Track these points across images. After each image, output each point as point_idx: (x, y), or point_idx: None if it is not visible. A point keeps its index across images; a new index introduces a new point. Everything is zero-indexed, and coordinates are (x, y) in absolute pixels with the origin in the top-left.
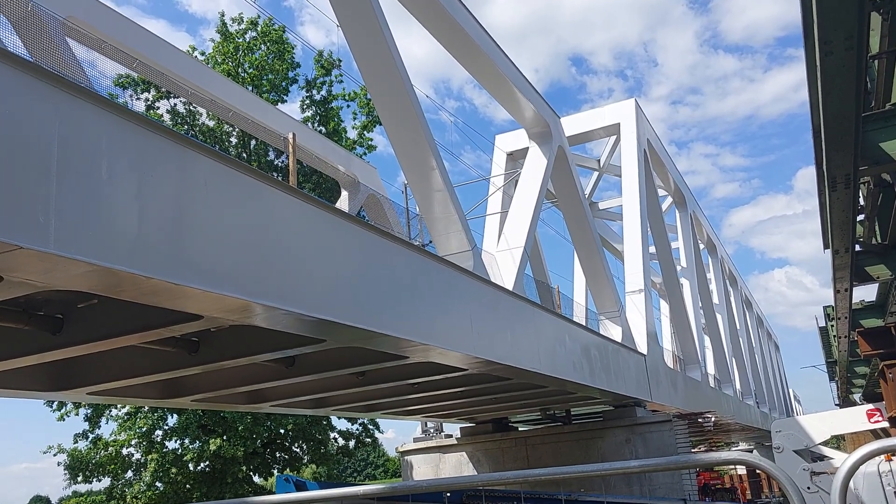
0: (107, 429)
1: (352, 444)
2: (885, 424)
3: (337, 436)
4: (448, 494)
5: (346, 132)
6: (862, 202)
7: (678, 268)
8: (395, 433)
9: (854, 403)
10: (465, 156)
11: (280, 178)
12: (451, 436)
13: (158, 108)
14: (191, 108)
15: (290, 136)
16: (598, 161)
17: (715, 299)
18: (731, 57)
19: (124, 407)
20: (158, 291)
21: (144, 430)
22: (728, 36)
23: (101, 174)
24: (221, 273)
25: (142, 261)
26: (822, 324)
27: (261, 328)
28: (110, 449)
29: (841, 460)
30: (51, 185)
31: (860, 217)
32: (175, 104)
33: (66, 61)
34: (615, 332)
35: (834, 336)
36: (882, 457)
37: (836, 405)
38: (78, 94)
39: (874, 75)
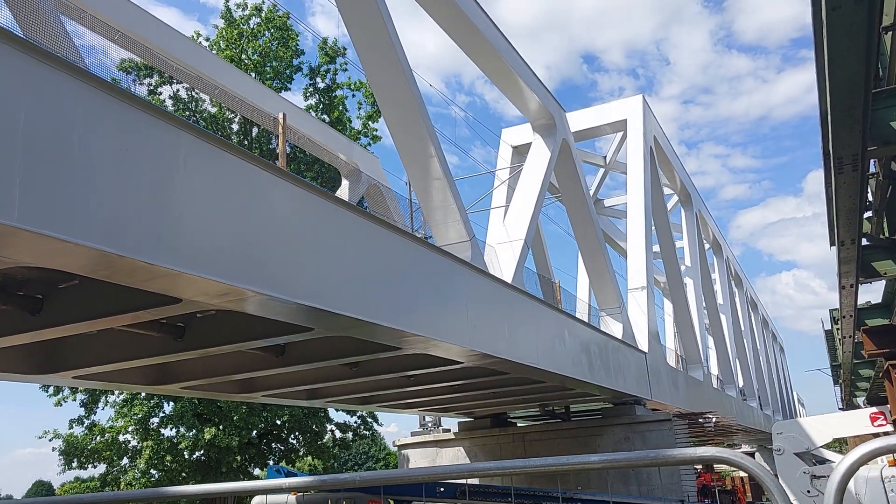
0: (103, 415)
1: (349, 436)
2: (890, 428)
3: (334, 428)
4: (442, 489)
5: (350, 122)
6: (870, 198)
7: (682, 267)
8: (398, 427)
9: (857, 407)
10: (475, 151)
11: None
12: (449, 430)
13: (161, 93)
14: (193, 93)
15: (281, 115)
16: (605, 158)
17: (719, 299)
18: (745, 57)
19: (121, 393)
20: (133, 272)
21: (140, 416)
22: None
23: (73, 147)
24: (200, 255)
25: (116, 239)
26: (828, 327)
27: (248, 315)
28: (106, 435)
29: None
30: (14, 155)
31: (867, 214)
32: (178, 90)
33: (58, 38)
34: (616, 329)
35: (839, 339)
36: (886, 462)
37: (839, 409)
38: (49, 62)
39: (885, 51)
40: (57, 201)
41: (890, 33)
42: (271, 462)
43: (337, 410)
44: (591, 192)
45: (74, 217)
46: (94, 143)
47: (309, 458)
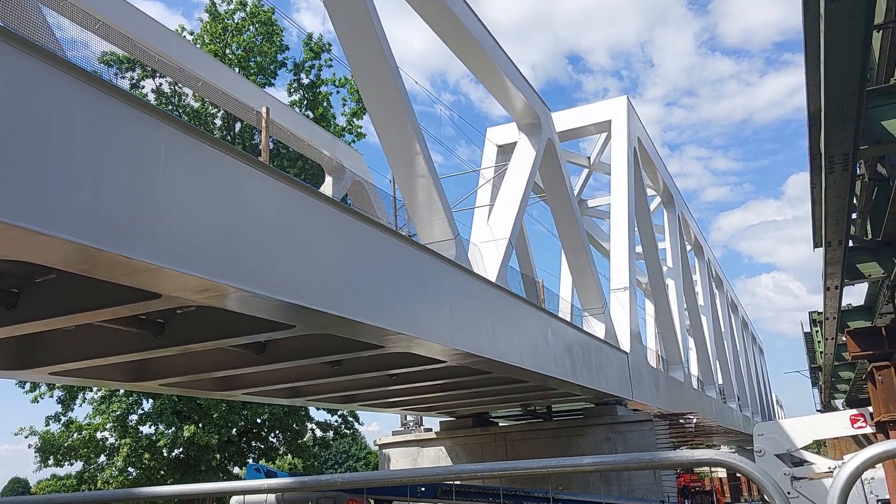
0: (81, 412)
1: (330, 435)
2: (869, 430)
3: (315, 427)
4: (423, 489)
5: (334, 118)
6: (855, 201)
7: (664, 268)
8: (379, 426)
9: (836, 409)
10: (460, 150)
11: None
12: (430, 429)
13: (143, 86)
14: (176, 87)
15: (264, 110)
16: (589, 158)
17: (700, 301)
18: (729, 60)
19: (99, 390)
20: (113, 266)
21: (119, 413)
22: (726, 38)
23: (50, 138)
24: (180, 249)
25: (95, 232)
26: (808, 329)
27: (228, 311)
28: (84, 432)
29: (823, 465)
30: None
31: (853, 216)
32: (160, 83)
33: (37, 28)
34: (598, 329)
35: (819, 341)
36: None
37: (818, 411)
38: (26, 50)
39: (874, 52)
40: (33, 193)
41: (881, 32)
42: (251, 460)
43: (318, 409)
44: (576, 193)
45: (52, 209)
46: (72, 135)
47: (289, 456)
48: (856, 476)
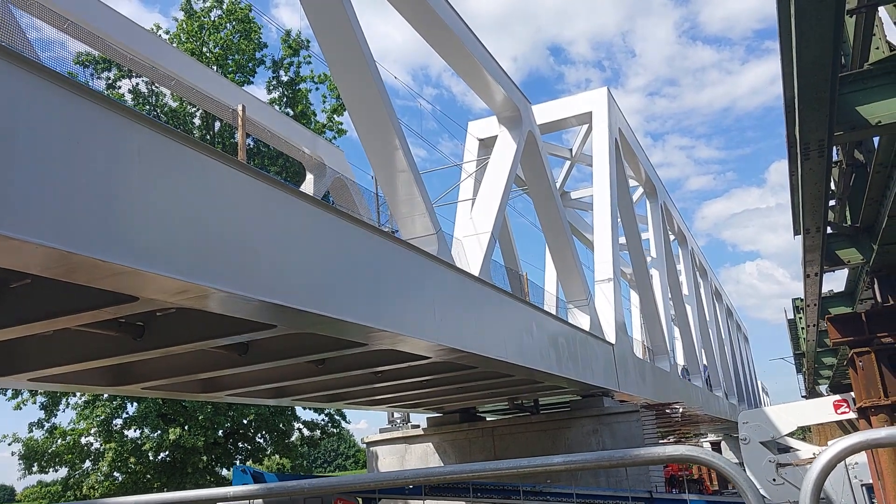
0: (64, 417)
1: (317, 434)
2: (852, 416)
3: (301, 426)
4: (410, 485)
5: (314, 115)
6: (833, 187)
7: (648, 258)
8: (367, 423)
9: (820, 395)
10: (442, 144)
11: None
12: (418, 426)
13: (120, 87)
14: (153, 87)
15: (240, 108)
16: (571, 150)
17: (684, 290)
18: (710, 48)
19: (83, 395)
20: (91, 270)
21: (103, 418)
22: (707, 27)
23: (20, 140)
24: (157, 251)
25: (69, 236)
26: (791, 316)
27: (209, 312)
28: (68, 438)
29: (808, 452)
30: None
31: (831, 202)
32: (137, 84)
33: (8, 29)
34: (584, 321)
35: (802, 327)
36: None
37: (802, 397)
38: None
39: (847, 36)
40: (4, 197)
41: (854, 17)
42: (238, 462)
43: (304, 408)
44: (558, 185)
45: (24, 214)
46: (43, 137)
47: (276, 457)
48: (827, 471)
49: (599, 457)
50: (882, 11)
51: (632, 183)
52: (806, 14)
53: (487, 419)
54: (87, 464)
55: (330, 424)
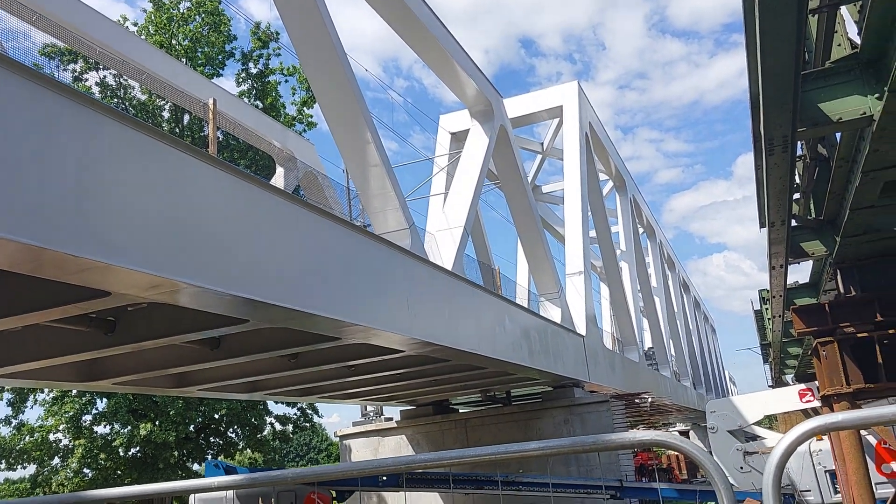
0: (32, 414)
1: (289, 428)
2: (817, 404)
3: (274, 421)
4: (384, 477)
5: (284, 108)
6: (797, 180)
7: (618, 251)
8: (340, 417)
9: (786, 384)
10: (415, 137)
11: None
12: (391, 419)
13: (87, 79)
14: (121, 80)
15: (211, 101)
16: (542, 144)
17: (653, 282)
18: (679, 42)
19: (51, 391)
20: (61, 265)
21: (72, 414)
22: (676, 20)
23: None
24: (129, 246)
25: (40, 231)
26: (758, 307)
27: (180, 307)
28: (36, 435)
29: (774, 440)
30: None
31: (795, 196)
32: (105, 76)
33: None
34: (555, 314)
35: (768, 318)
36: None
37: (769, 386)
38: None
39: (810, 34)
40: None
41: (816, 16)
42: (210, 457)
43: (276, 403)
44: (530, 179)
45: None
46: (12, 132)
47: (249, 451)
48: (788, 454)
49: (574, 442)
50: (844, 10)
51: (602, 177)
52: (770, 13)
53: (460, 411)
54: (56, 460)
55: (302, 418)
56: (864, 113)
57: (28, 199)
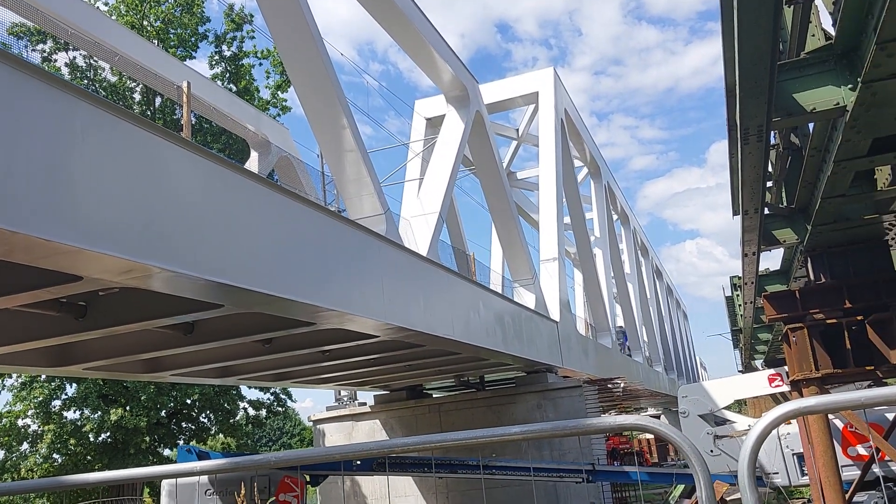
0: (0, 399)
1: (262, 413)
2: (786, 389)
3: (247, 406)
4: (358, 462)
5: (258, 91)
6: (770, 169)
7: (592, 238)
8: (313, 402)
9: (756, 370)
10: (390, 122)
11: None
12: (364, 403)
13: (56, 60)
14: (91, 61)
15: (185, 84)
16: (517, 130)
17: (627, 269)
18: (654, 28)
19: (19, 376)
20: (30, 248)
21: (41, 399)
22: (651, 7)
23: None
24: (101, 230)
25: (9, 214)
26: (729, 293)
27: (153, 292)
28: (3, 420)
29: (744, 424)
30: None
31: (769, 184)
32: (75, 57)
33: None
34: (529, 300)
35: (739, 304)
36: None
37: (739, 371)
38: None
39: (785, 24)
40: None
41: (791, 7)
42: (182, 442)
43: (250, 388)
44: (505, 165)
45: None
46: None
47: (221, 436)
48: (763, 437)
49: (555, 427)
50: (818, 1)
51: (576, 163)
52: (747, 4)
53: (434, 396)
54: (25, 446)
55: (276, 403)
56: (838, 103)
57: None
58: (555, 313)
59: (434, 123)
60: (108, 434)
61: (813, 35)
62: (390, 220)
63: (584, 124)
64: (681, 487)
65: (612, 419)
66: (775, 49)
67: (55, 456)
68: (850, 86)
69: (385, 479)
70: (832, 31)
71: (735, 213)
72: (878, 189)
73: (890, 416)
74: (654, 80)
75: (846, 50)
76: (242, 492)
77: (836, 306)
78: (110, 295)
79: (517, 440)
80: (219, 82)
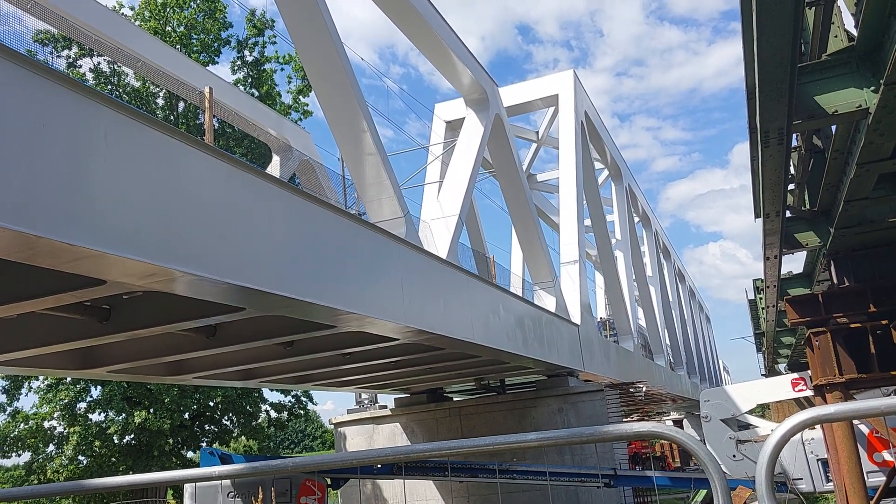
0: (27, 401)
1: (284, 416)
2: (810, 393)
3: (269, 408)
4: (379, 465)
5: (280, 96)
6: (792, 171)
7: (613, 240)
8: (334, 404)
9: (779, 373)
10: (410, 124)
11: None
12: (385, 406)
13: (80, 66)
14: (115, 67)
15: (207, 90)
16: (537, 133)
17: (648, 272)
18: (677, 29)
19: (45, 379)
20: (55, 253)
21: (66, 402)
22: (674, 7)
23: None
24: (124, 234)
25: (34, 219)
26: (752, 296)
27: (176, 295)
28: (30, 422)
29: (766, 429)
30: None
31: (790, 186)
32: (99, 63)
33: None
34: (549, 303)
35: (762, 308)
36: None
37: (762, 375)
38: None
39: (807, 26)
40: None
41: (813, 8)
42: (204, 444)
43: (271, 390)
44: (524, 167)
45: None
46: (6, 119)
47: (243, 438)
48: (782, 444)
49: (571, 434)
50: (840, 2)
51: (597, 165)
52: (766, 6)
53: (454, 399)
54: (51, 448)
55: (297, 406)
56: (860, 106)
57: (21, 186)
58: (576, 316)
59: (454, 126)
60: (133, 436)
61: (836, 36)
62: (410, 222)
63: (604, 126)
64: (703, 492)
65: (629, 426)
66: (795, 51)
67: (80, 458)
68: (872, 88)
69: (407, 482)
70: (855, 33)
71: (757, 216)
72: None
73: None
74: (676, 80)
75: (868, 51)
76: (260, 496)
77: (860, 310)
78: (134, 298)
79: (533, 447)
80: (241, 87)
